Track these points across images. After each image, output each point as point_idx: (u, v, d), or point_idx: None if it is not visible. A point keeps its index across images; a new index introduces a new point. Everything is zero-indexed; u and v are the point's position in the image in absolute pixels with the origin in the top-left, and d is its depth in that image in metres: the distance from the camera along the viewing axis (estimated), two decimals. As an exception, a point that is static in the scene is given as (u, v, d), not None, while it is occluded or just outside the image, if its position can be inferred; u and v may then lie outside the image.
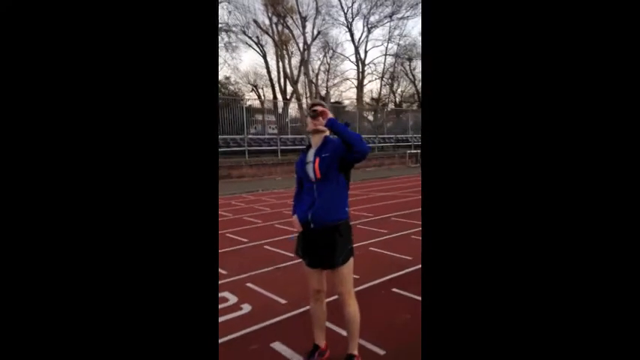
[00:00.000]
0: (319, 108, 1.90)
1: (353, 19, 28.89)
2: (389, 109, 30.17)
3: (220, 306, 2.85)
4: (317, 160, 1.89)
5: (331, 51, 29.25)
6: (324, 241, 1.88)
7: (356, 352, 1.99)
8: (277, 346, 2.27)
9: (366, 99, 31.80)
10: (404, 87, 34.74)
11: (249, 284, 3.26)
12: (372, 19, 29.03)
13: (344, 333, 2.18)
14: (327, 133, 1.96)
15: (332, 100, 27.30)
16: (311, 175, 1.91)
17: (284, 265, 3.80)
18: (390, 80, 32.16)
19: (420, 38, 45.57)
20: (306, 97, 27.75)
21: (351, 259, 1.93)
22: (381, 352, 2.15)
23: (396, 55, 31.08)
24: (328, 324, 2.19)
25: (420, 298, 2.87)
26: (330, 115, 1.87)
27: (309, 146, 2.01)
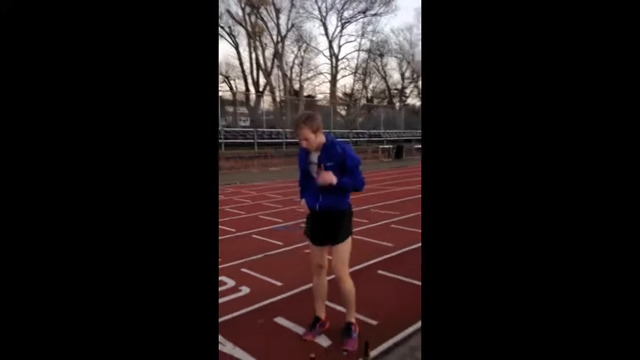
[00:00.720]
0: (303, 141, 2.05)
1: (327, 14, 29.12)
2: (361, 105, 30.66)
3: (220, 288, 3.05)
4: (321, 166, 2.08)
5: (305, 44, 29.34)
6: (328, 223, 2.15)
7: (353, 320, 2.28)
8: (280, 320, 2.51)
9: (339, 94, 32.19)
10: (375, 83, 35.45)
11: (244, 269, 3.47)
12: (345, 14, 29.38)
13: (339, 308, 2.46)
14: (324, 140, 2.12)
15: (305, 94, 27.45)
16: (316, 176, 2.12)
17: (273, 252, 4.03)
18: (362, 76, 32.70)
19: (392, 35, 45.96)
20: (280, 90, 27.73)
21: (349, 240, 2.21)
22: (374, 322, 2.45)
23: (369, 51, 31.63)
24: (327, 302, 2.46)
25: (403, 278, 3.20)
26: (334, 180, 2.03)
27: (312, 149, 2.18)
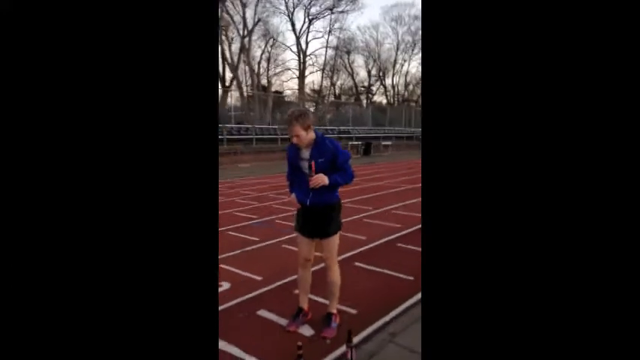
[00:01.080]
0: (295, 138, 2.12)
1: (294, 9, 29.00)
2: (329, 101, 30.87)
3: (200, 285, 3.06)
4: (313, 163, 2.15)
5: (272, 39, 29.10)
6: (318, 217, 2.23)
7: (334, 311, 2.38)
8: (263, 313, 2.57)
9: (307, 90, 32.23)
10: (343, 80, 35.79)
11: (223, 265, 3.48)
12: (312, 10, 29.40)
13: (321, 300, 2.55)
14: (314, 136, 2.18)
15: (273, 90, 27.26)
16: (307, 171, 2.19)
17: (250, 248, 4.06)
18: (330, 72, 32.89)
19: (358, 32, 46.34)
20: (247, 85, 27.37)
21: (339, 233, 2.30)
22: (354, 311, 2.56)
23: (336, 48, 31.85)
24: (310, 295, 2.55)
25: (378, 269, 3.35)
26: (326, 181, 2.11)
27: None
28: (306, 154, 2.20)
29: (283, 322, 2.43)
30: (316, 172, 2.14)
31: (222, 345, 2.16)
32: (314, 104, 28.42)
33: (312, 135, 2.17)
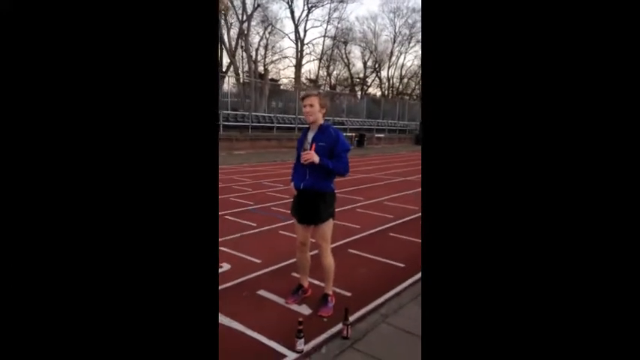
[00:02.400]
0: (308, 106, 2.31)
1: (294, -4, 28.64)
2: (325, 91, 30.81)
3: (201, 265, 3.19)
4: (313, 145, 2.33)
5: (271, 26, 28.81)
6: (312, 203, 2.38)
7: (330, 292, 2.55)
8: (262, 292, 2.73)
9: (303, 79, 32.09)
10: (339, 70, 35.69)
11: (222, 248, 3.62)
12: (312, -2, 29.09)
13: (317, 282, 2.71)
14: (322, 121, 2.39)
15: (270, 78, 27.09)
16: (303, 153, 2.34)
17: (248, 232, 4.20)
18: (327, 62, 32.79)
19: (357, 23, 45.94)
20: (243, 72, 27.15)
21: (331, 220, 2.45)
22: (348, 294, 2.73)
23: (334, 38, 31.70)
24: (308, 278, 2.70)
25: (371, 256, 3.52)
26: (315, 159, 2.26)
27: (309, 127, 2.44)
28: (310, 136, 2.37)
29: (282, 301, 2.59)
30: (316, 152, 2.29)
31: (226, 321, 2.31)
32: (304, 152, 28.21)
33: (321, 118, 2.35)
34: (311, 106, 2.31)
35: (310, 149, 2.32)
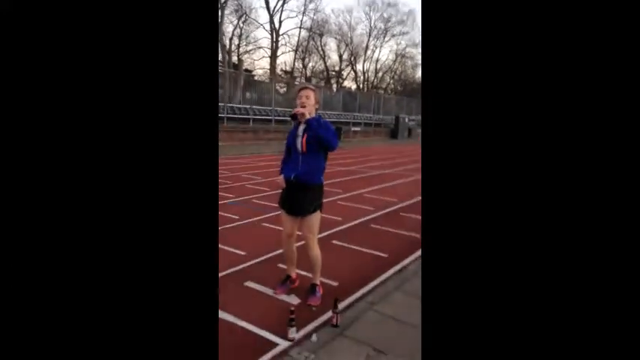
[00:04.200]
0: (297, 112, 2.36)
1: (268, -15, 28.23)
2: (300, 83, 30.63)
3: (185, 258, 3.17)
4: (305, 136, 2.37)
5: (245, 15, 28.28)
6: (301, 195, 2.42)
7: (318, 282, 2.60)
8: (250, 284, 2.75)
9: (278, 71, 31.78)
10: (314, 62, 35.57)
11: (205, 240, 3.59)
12: (288, -12, 28.73)
13: (304, 273, 2.76)
14: (314, 116, 2.42)
15: (244, 68, 26.65)
16: (299, 147, 2.41)
17: (231, 225, 4.18)
18: (303, 54, 32.59)
19: (332, 15, 45.68)
20: (218, 62, 26.56)
21: (318, 212, 2.49)
22: (335, 283, 2.80)
23: (310, 29, 31.52)
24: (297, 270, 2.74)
25: (354, 247, 3.60)
26: (307, 115, 2.34)
27: (300, 122, 2.46)
28: (300, 130, 2.43)
29: (270, 292, 2.62)
30: (306, 143, 2.36)
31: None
32: (286, 85, 28.14)
33: (314, 113, 2.42)
34: (307, 97, 2.38)
35: (302, 140, 2.37)
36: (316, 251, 2.54)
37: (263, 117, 17.57)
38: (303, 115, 2.35)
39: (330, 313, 2.26)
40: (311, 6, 31.29)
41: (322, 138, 2.33)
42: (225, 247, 3.44)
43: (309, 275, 2.66)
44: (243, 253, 3.34)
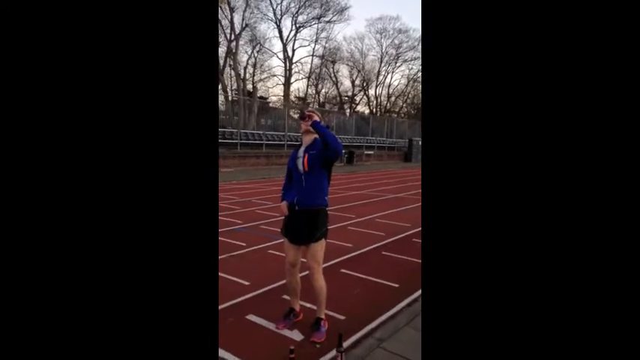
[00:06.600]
0: (308, 112, 2.32)
1: (282, 17, 29.19)
2: (315, 108, 31.01)
3: (187, 288, 3.04)
4: (306, 156, 2.29)
5: (259, 45, 29.15)
6: (304, 222, 2.29)
7: (323, 316, 2.42)
8: (252, 317, 2.59)
9: (292, 97, 32.35)
10: (327, 88, 36.13)
11: (209, 269, 3.48)
12: (300, 18, 29.67)
13: (309, 305, 2.59)
14: (316, 135, 2.35)
15: (258, 95, 27.23)
16: (300, 167, 2.31)
17: (237, 252, 4.06)
18: (316, 80, 33.19)
19: (344, 43, 46.97)
20: (231, 90, 27.24)
21: (323, 240, 2.36)
22: (342, 317, 2.61)
23: (322, 57, 32.19)
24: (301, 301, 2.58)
25: (364, 276, 3.41)
26: (316, 119, 2.29)
27: (301, 144, 2.38)
28: (301, 152, 2.36)
29: (273, 326, 2.46)
30: (308, 162, 2.27)
31: (212, 348, 2.17)
32: (298, 111, 28.54)
33: (315, 135, 2.33)
34: (310, 117, 2.33)
35: (304, 160, 2.29)
36: (321, 282, 2.38)
37: (276, 142, 17.73)
38: (311, 116, 2.29)
39: (334, 352, 2.08)
40: (323, 34, 32.05)
41: (327, 137, 2.22)
42: (229, 277, 3.31)
43: (314, 307, 2.50)
44: (246, 282, 3.20)
